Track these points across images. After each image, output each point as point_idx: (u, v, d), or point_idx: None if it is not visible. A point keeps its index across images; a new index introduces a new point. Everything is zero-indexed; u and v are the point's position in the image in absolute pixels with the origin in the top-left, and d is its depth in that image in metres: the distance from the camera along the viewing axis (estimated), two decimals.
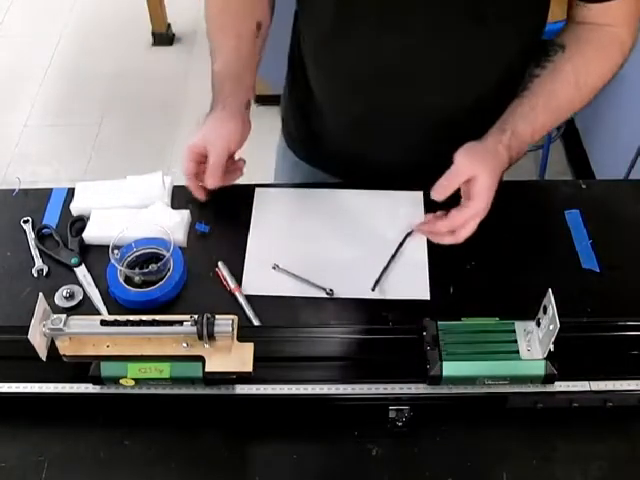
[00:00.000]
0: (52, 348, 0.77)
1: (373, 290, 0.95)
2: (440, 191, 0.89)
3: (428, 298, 0.95)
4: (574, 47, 0.93)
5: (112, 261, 0.93)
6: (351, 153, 1.11)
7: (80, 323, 0.77)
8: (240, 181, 1.12)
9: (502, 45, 0.93)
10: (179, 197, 1.08)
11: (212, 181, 0.97)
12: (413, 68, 0.95)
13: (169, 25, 3.02)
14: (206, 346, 0.76)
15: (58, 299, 0.95)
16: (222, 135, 0.97)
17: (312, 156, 1.20)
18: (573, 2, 0.93)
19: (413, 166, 1.02)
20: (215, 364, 0.76)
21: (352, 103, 1.04)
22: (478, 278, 0.96)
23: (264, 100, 2.60)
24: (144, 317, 0.76)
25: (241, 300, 0.94)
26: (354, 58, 0.97)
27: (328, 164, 1.17)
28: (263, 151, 2.57)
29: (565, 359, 0.77)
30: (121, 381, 0.78)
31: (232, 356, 0.76)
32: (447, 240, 0.92)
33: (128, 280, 0.95)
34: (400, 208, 1.06)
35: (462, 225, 0.90)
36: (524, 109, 0.91)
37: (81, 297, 0.95)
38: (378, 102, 1.01)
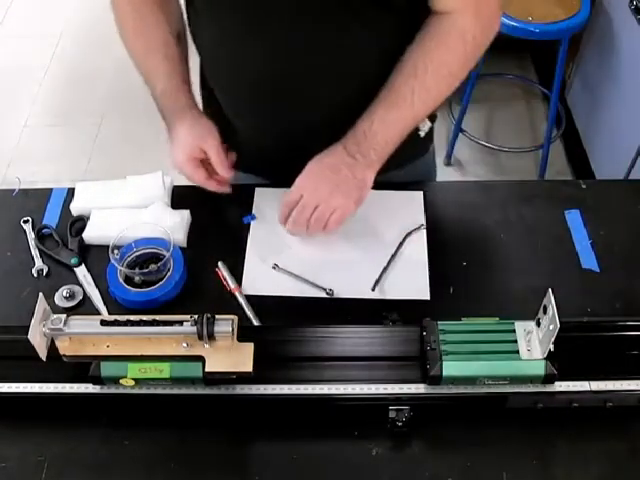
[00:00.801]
0: (52, 348, 0.77)
1: (373, 290, 0.95)
2: (283, 219, 0.97)
3: (428, 298, 0.95)
4: (418, 38, 0.92)
5: (112, 261, 0.93)
6: (261, 154, 1.09)
7: (80, 323, 0.77)
8: (240, 181, 1.12)
9: (373, 33, 0.92)
10: (179, 197, 1.08)
11: (227, 171, 0.98)
12: (291, 69, 0.95)
13: None
14: (206, 346, 0.76)
15: (58, 299, 0.95)
16: (208, 131, 0.98)
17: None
18: None
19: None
20: (215, 364, 0.76)
21: (244, 109, 1.05)
22: (478, 278, 0.96)
23: None
24: (144, 317, 0.76)
25: (241, 300, 0.94)
26: (232, 65, 0.98)
27: (251, 168, 1.15)
28: None
29: (565, 359, 0.77)
30: (121, 381, 0.78)
31: (232, 356, 0.76)
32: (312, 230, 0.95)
33: (128, 280, 0.95)
34: (400, 208, 1.06)
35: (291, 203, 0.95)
36: (371, 109, 0.93)
37: (81, 297, 0.95)
38: (265, 106, 1.01)
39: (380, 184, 1.08)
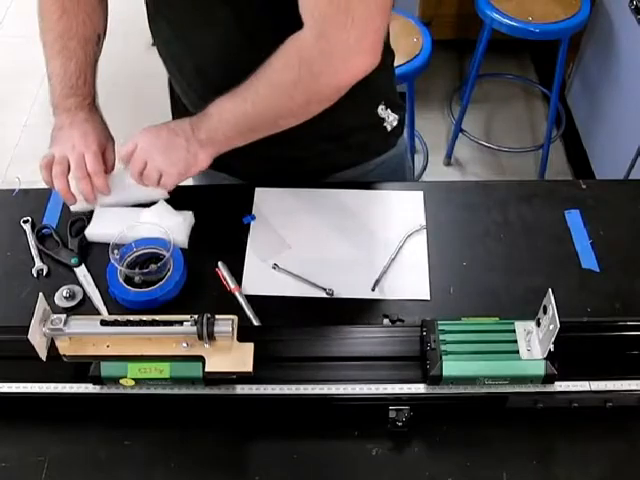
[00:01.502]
0: (52, 348, 0.77)
1: (373, 290, 0.95)
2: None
3: (428, 298, 0.95)
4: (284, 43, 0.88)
5: (112, 261, 0.93)
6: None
7: (80, 323, 0.77)
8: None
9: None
10: (180, 197, 1.07)
11: (102, 182, 1.00)
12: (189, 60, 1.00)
13: None
14: (206, 346, 0.76)
15: (58, 299, 0.95)
16: (95, 137, 1.02)
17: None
18: None
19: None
20: (215, 364, 0.76)
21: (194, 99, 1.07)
22: (478, 278, 0.96)
23: None
24: (144, 317, 0.76)
25: (241, 300, 0.94)
26: (168, 55, 1.04)
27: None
28: None
29: (565, 359, 0.77)
30: (121, 381, 0.78)
31: (232, 356, 0.76)
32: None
33: (128, 280, 0.95)
34: (400, 208, 1.06)
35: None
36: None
37: (81, 297, 0.95)
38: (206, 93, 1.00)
39: (378, 184, 1.09)
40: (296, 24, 0.83)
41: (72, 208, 1.03)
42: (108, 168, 1.03)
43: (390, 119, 1.09)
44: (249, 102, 0.90)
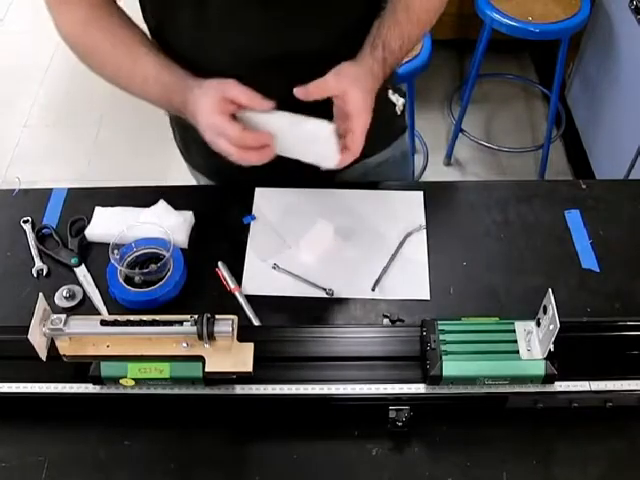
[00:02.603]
0: (52, 348, 0.77)
1: (373, 290, 0.95)
2: (303, 92, 0.85)
3: (428, 298, 0.95)
4: None
5: (112, 261, 0.93)
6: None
7: (80, 323, 0.77)
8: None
9: None
10: (180, 197, 1.07)
11: (265, 103, 0.85)
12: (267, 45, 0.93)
13: None
14: (206, 346, 0.76)
15: (58, 299, 0.95)
16: (221, 80, 0.87)
17: (196, 164, 1.18)
18: None
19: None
20: (215, 364, 0.76)
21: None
22: (478, 278, 0.96)
23: None
24: (144, 317, 0.76)
25: (241, 300, 0.94)
26: (179, 43, 0.95)
27: (212, 173, 1.14)
28: None
29: (565, 359, 0.77)
30: (121, 381, 0.78)
31: (232, 356, 0.76)
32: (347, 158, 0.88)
33: (128, 280, 0.95)
34: (400, 208, 1.06)
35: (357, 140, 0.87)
36: (390, 25, 0.93)
37: (81, 297, 0.95)
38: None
39: (378, 184, 1.09)
40: None
41: (88, 234, 0.99)
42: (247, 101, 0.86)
43: (399, 103, 1.11)
44: (420, 20, 0.96)
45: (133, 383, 0.78)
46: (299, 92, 0.86)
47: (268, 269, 0.98)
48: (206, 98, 0.86)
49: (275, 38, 0.93)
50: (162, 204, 1.04)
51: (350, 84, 0.86)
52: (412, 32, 0.95)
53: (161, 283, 0.94)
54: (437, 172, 2.45)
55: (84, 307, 0.95)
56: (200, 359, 0.76)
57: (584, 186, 1.10)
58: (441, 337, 0.78)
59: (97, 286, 0.97)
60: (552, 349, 0.75)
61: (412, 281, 0.97)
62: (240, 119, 0.86)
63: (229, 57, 0.94)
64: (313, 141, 0.86)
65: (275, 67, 0.94)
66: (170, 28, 0.97)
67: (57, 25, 0.95)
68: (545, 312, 0.75)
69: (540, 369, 0.76)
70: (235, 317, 0.77)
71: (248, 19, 0.91)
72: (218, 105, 0.84)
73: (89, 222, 1.03)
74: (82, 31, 0.94)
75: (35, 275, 0.98)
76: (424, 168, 2.43)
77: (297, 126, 0.86)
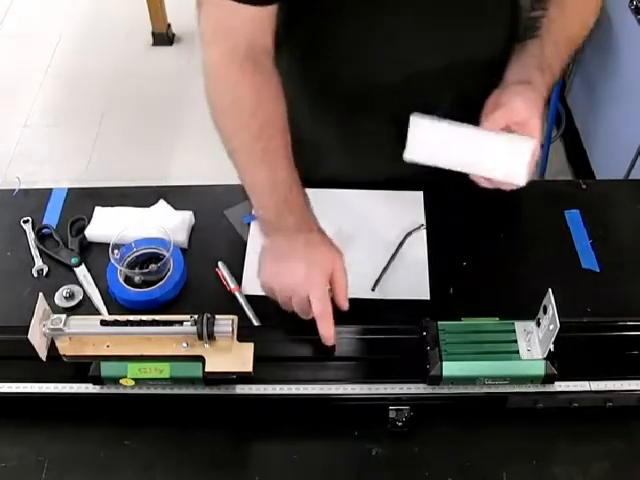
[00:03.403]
0: (52, 348, 0.77)
1: (373, 290, 0.95)
2: (491, 123, 0.86)
3: (428, 298, 0.94)
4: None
5: (112, 261, 0.93)
6: (338, 171, 1.08)
7: (80, 323, 0.77)
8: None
9: (496, 31, 0.95)
10: (180, 197, 1.08)
11: (346, 304, 0.83)
12: (405, 67, 0.94)
13: (169, 25, 3.02)
14: (206, 346, 0.76)
15: (58, 299, 0.95)
16: (336, 251, 0.83)
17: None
18: None
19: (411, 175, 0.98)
20: (215, 364, 0.76)
21: (343, 112, 1.02)
22: (478, 278, 0.96)
23: None
24: (144, 317, 0.76)
25: (241, 300, 0.94)
26: (346, 62, 0.95)
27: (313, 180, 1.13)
28: None
29: (565, 359, 0.77)
30: (121, 381, 0.78)
31: (232, 356, 0.76)
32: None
33: (128, 280, 0.95)
34: (400, 208, 1.06)
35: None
36: (550, 48, 0.93)
37: (81, 297, 0.95)
38: (370, 109, 1.00)
39: (380, 184, 1.09)
40: None
41: (89, 234, 0.99)
42: (339, 290, 0.82)
43: None
44: (570, 42, 0.96)
45: (133, 383, 0.78)
46: (487, 122, 0.86)
47: None
48: (324, 259, 0.80)
49: (442, 50, 0.93)
50: (162, 204, 1.04)
51: (534, 113, 0.86)
52: (565, 54, 0.95)
53: (161, 283, 0.94)
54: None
55: (84, 307, 0.94)
56: (200, 359, 0.76)
57: (584, 186, 1.10)
58: (441, 337, 0.78)
59: (97, 286, 0.97)
60: (552, 349, 0.75)
61: (412, 281, 0.96)
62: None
63: (397, 72, 0.95)
64: (509, 154, 0.84)
65: (441, 79, 0.96)
66: (327, 49, 0.95)
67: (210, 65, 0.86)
68: (545, 312, 0.75)
69: (540, 369, 0.76)
70: (235, 317, 0.77)
71: (417, 34, 0.92)
72: (328, 276, 0.80)
73: (89, 222, 1.03)
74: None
75: (35, 275, 0.98)
76: None
77: (494, 139, 0.85)
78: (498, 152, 0.85)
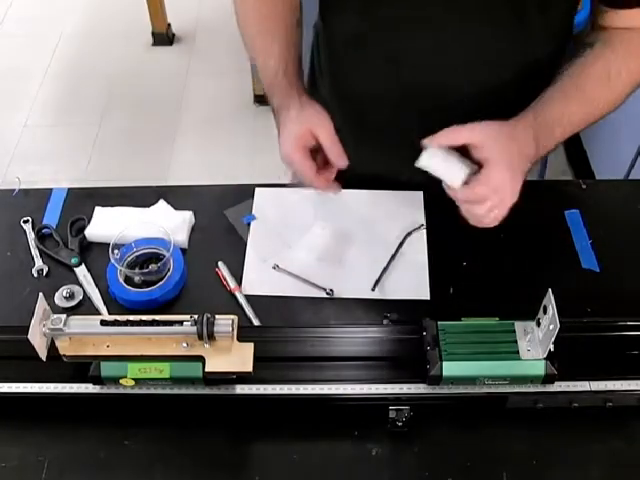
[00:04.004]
0: (52, 348, 0.77)
1: (373, 290, 0.95)
2: (437, 139, 0.84)
3: (428, 298, 0.95)
4: (604, 44, 0.90)
5: (112, 261, 0.93)
6: (367, 169, 1.07)
7: (80, 323, 0.77)
8: (240, 181, 1.12)
9: (534, 40, 0.92)
10: (180, 197, 1.08)
11: (342, 158, 0.88)
12: (437, 72, 0.93)
13: (169, 25, 3.02)
14: (206, 346, 0.76)
15: (58, 299, 0.95)
16: (319, 115, 0.90)
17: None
18: (598, 9, 0.92)
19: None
20: (215, 364, 0.76)
21: (370, 114, 1.03)
22: (478, 278, 0.96)
23: (264, 100, 2.60)
24: (144, 317, 0.76)
25: (241, 300, 0.94)
26: (377, 64, 0.96)
27: (348, 182, 1.14)
28: (263, 151, 2.57)
29: (565, 359, 0.77)
30: (121, 381, 0.78)
31: (232, 356, 0.76)
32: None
33: (128, 280, 0.95)
34: (400, 208, 1.06)
35: (474, 200, 0.85)
36: (555, 103, 0.88)
37: (81, 297, 0.95)
38: (398, 112, 1.00)
39: (378, 185, 1.09)
40: None
41: (88, 234, 0.99)
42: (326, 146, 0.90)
43: None
44: (593, 105, 0.90)
45: (133, 383, 0.78)
46: (431, 139, 0.84)
47: (268, 269, 0.98)
48: (294, 127, 0.89)
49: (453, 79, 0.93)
50: (162, 204, 1.04)
51: (495, 147, 0.82)
52: (578, 117, 0.90)
53: (161, 283, 0.94)
54: None
55: (84, 307, 0.94)
56: (200, 359, 0.76)
57: (584, 186, 1.10)
58: (441, 337, 0.78)
59: (97, 286, 0.97)
60: (552, 349, 0.75)
61: (412, 281, 0.96)
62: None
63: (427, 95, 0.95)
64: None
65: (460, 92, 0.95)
66: (355, 69, 0.99)
67: None
68: (545, 312, 0.75)
69: (540, 369, 0.76)
70: (235, 317, 0.77)
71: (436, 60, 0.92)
72: (301, 139, 0.88)
73: (89, 222, 1.03)
74: None
75: (35, 275, 0.98)
76: None
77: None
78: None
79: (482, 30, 0.89)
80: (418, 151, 0.91)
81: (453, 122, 0.85)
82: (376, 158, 1.08)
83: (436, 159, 0.85)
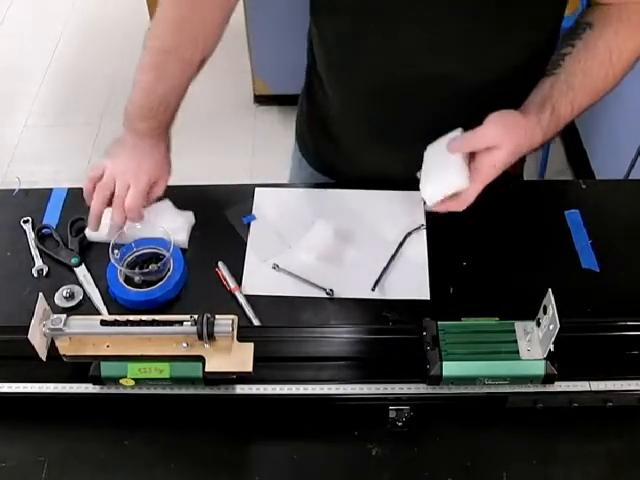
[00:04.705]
0: (52, 348, 0.77)
1: (373, 290, 0.95)
2: (457, 147, 0.85)
3: (428, 298, 0.95)
4: (603, 24, 0.89)
5: (112, 261, 0.93)
6: (369, 167, 1.09)
7: (80, 323, 0.77)
8: (240, 181, 1.12)
9: (525, 33, 0.91)
10: (180, 196, 1.07)
11: (135, 217, 0.95)
12: (435, 64, 0.93)
13: None
14: (206, 346, 0.76)
15: (58, 299, 0.95)
16: (148, 170, 0.96)
17: (328, 169, 1.18)
18: None
19: None
20: (215, 364, 0.76)
21: (371, 111, 1.03)
22: (478, 278, 0.96)
23: (264, 100, 2.60)
24: (144, 317, 0.76)
25: (241, 300, 0.94)
26: (372, 59, 0.95)
27: (344, 177, 1.14)
28: (262, 151, 2.57)
29: (565, 359, 0.77)
30: (121, 381, 0.78)
31: (232, 356, 0.76)
32: (451, 207, 0.89)
33: (128, 280, 0.95)
34: (400, 208, 1.06)
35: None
36: (562, 88, 0.88)
37: (81, 297, 0.95)
38: (395, 108, 1.00)
39: (381, 184, 1.09)
40: None
41: (88, 234, 1.00)
42: (149, 202, 0.98)
43: None
44: (597, 88, 0.91)
45: (133, 383, 0.78)
46: (452, 147, 0.86)
47: (268, 269, 0.98)
48: (119, 166, 0.95)
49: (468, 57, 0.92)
50: (165, 203, 1.03)
51: (506, 143, 0.83)
52: (583, 102, 0.89)
53: (161, 283, 0.94)
54: None
55: (84, 307, 0.94)
56: (200, 359, 0.76)
57: (584, 186, 1.10)
58: (441, 337, 0.78)
59: (97, 286, 0.97)
60: (552, 349, 0.75)
61: (412, 281, 0.96)
62: None
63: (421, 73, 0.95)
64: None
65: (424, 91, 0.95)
66: (350, 67, 0.98)
67: None
68: (545, 312, 0.75)
69: (540, 369, 0.76)
70: (235, 317, 0.77)
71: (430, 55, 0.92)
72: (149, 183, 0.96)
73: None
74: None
75: (35, 275, 0.98)
76: None
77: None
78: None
79: (473, 20, 0.88)
80: (419, 149, 0.91)
81: (456, 115, 0.87)
82: (378, 157, 1.08)
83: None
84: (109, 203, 0.95)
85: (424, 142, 0.93)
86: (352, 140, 1.08)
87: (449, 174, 0.86)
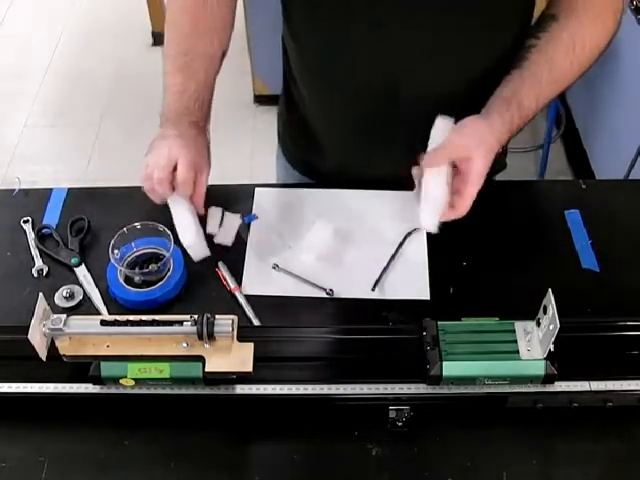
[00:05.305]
0: (52, 348, 0.77)
1: (373, 290, 0.95)
2: (428, 161, 0.88)
3: (428, 298, 0.95)
4: (568, 15, 0.90)
5: (112, 261, 0.93)
6: (348, 169, 1.10)
7: (80, 323, 0.77)
8: (240, 181, 1.12)
9: (495, 34, 0.92)
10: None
11: (186, 192, 0.93)
12: (410, 66, 0.94)
13: None
14: (206, 346, 0.76)
15: (58, 299, 0.95)
16: (195, 153, 0.94)
17: (308, 170, 1.19)
18: None
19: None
20: (215, 364, 0.76)
21: (347, 113, 1.03)
22: (478, 278, 0.96)
23: (264, 100, 2.60)
24: (144, 317, 0.76)
25: (241, 300, 0.94)
26: (349, 63, 0.96)
27: (324, 179, 1.14)
28: (262, 151, 2.57)
29: (565, 359, 0.77)
30: (121, 381, 0.78)
31: (232, 356, 0.76)
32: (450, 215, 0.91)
33: (128, 280, 0.95)
34: (400, 208, 1.06)
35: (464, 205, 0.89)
36: (528, 82, 0.89)
37: (81, 297, 0.95)
38: (374, 109, 1.00)
39: (381, 184, 1.09)
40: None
41: (194, 256, 0.96)
42: (198, 193, 0.95)
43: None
44: (562, 79, 0.92)
45: (133, 383, 0.78)
46: (425, 162, 0.88)
47: (268, 269, 0.98)
48: (162, 149, 0.92)
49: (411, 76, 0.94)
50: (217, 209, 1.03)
51: (475, 149, 0.85)
52: (549, 93, 0.91)
53: (161, 283, 0.94)
54: None
55: (84, 307, 0.94)
56: (200, 359, 0.76)
57: (584, 186, 1.10)
58: (441, 337, 0.78)
59: (97, 286, 0.97)
60: (552, 349, 0.75)
61: (412, 281, 0.96)
62: None
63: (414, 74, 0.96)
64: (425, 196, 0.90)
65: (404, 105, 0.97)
66: (336, 65, 0.98)
67: None
68: (545, 312, 0.75)
69: (540, 369, 0.76)
70: (235, 317, 0.77)
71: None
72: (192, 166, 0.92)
73: (89, 222, 1.03)
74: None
75: (35, 275, 0.98)
76: None
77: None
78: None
79: (442, 25, 0.89)
80: (403, 150, 0.91)
81: (431, 115, 0.89)
82: (364, 158, 1.09)
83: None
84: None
85: (403, 143, 0.95)
86: (332, 142, 1.08)
87: (430, 190, 0.88)
